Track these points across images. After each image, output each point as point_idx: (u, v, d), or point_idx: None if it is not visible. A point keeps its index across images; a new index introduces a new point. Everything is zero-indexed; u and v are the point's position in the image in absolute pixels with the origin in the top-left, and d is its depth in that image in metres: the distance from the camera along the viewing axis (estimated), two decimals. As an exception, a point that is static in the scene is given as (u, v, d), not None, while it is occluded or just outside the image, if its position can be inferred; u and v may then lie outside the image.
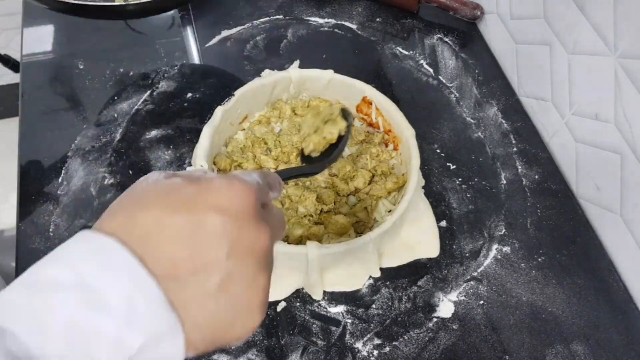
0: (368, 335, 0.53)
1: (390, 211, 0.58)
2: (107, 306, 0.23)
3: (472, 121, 0.71)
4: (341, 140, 0.51)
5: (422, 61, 0.77)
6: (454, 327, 0.54)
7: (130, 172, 0.62)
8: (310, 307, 0.54)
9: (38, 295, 0.23)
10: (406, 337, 0.53)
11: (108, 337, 0.22)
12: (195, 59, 0.76)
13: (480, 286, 0.56)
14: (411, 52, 0.78)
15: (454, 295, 0.55)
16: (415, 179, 0.55)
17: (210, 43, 0.77)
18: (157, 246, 0.24)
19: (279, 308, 0.54)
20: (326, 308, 0.54)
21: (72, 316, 0.22)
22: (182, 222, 0.25)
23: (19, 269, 0.55)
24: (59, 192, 0.61)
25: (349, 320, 0.53)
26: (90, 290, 0.23)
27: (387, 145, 0.63)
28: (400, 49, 0.78)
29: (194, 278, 0.25)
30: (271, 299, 0.54)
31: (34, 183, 0.62)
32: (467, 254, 0.59)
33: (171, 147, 0.65)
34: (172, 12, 0.82)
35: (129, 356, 0.23)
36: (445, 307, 0.55)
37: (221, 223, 0.25)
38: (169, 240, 0.24)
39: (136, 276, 0.23)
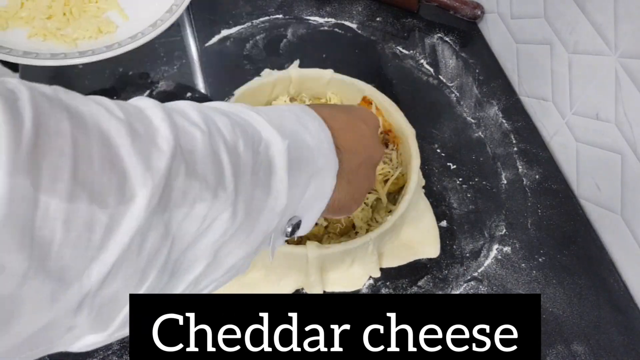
0: (368, 336, 0.52)
1: (390, 211, 0.57)
2: (309, 129, 0.34)
3: (473, 121, 0.70)
4: None
5: (422, 61, 0.77)
6: (454, 327, 0.53)
7: (130, 171, 0.62)
8: (310, 307, 0.54)
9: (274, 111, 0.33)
10: (406, 338, 0.52)
11: (310, 146, 0.33)
12: (195, 58, 0.75)
13: (480, 286, 0.56)
14: (411, 51, 0.78)
15: (454, 296, 0.55)
16: (415, 179, 0.55)
17: (210, 42, 0.77)
18: (333, 122, 0.37)
19: (279, 308, 0.54)
20: (326, 308, 0.54)
21: (293, 126, 0.33)
22: (346, 118, 0.39)
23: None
24: (58, 191, 0.60)
25: (349, 321, 0.53)
26: (300, 118, 0.34)
27: (387, 146, 0.63)
28: (401, 49, 0.78)
29: (349, 151, 0.37)
30: (271, 299, 0.54)
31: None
32: (468, 254, 0.58)
33: (171, 146, 0.65)
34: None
35: (317, 168, 0.33)
36: (446, 308, 0.54)
37: (366, 128, 0.41)
38: (341, 130, 0.37)
39: (324, 127, 0.36)
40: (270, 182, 0.30)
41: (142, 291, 0.24)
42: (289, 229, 0.33)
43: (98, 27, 0.66)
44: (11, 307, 0.18)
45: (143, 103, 0.26)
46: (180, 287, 0.27)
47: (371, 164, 0.42)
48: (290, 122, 0.33)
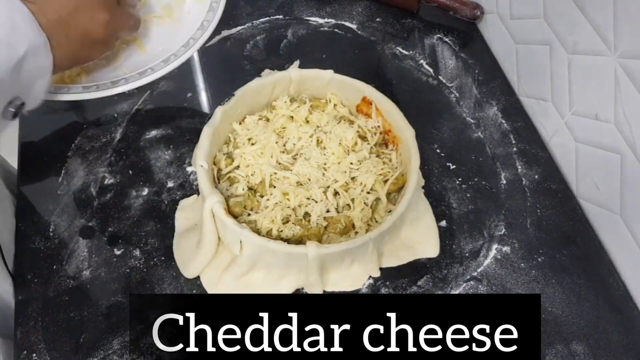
0: (368, 335, 0.52)
1: (390, 211, 0.58)
2: None
3: (472, 121, 0.71)
4: None
5: (422, 61, 0.77)
6: (454, 327, 0.53)
7: (130, 172, 0.62)
8: (310, 307, 0.54)
9: None
10: (406, 337, 0.53)
11: (1, 41, 0.33)
12: (195, 58, 0.75)
13: (480, 286, 0.56)
14: (411, 52, 0.78)
15: (453, 295, 0.56)
16: (415, 179, 0.55)
17: (210, 43, 0.77)
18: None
19: (279, 308, 0.54)
20: (326, 308, 0.54)
21: None
22: None
23: (19, 269, 0.55)
24: (58, 192, 0.60)
25: (349, 320, 0.53)
26: None
27: (387, 146, 0.63)
28: (400, 49, 0.78)
29: (52, 6, 0.38)
30: (271, 299, 0.54)
31: (34, 183, 0.62)
32: (467, 254, 0.59)
33: (171, 147, 0.65)
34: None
35: (17, 58, 0.34)
36: (445, 307, 0.55)
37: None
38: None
39: (14, 3, 0.35)
40: None
41: None
42: (12, 110, 0.35)
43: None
44: None
45: None
46: None
47: (93, 32, 0.44)
48: None
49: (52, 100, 0.55)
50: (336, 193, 0.57)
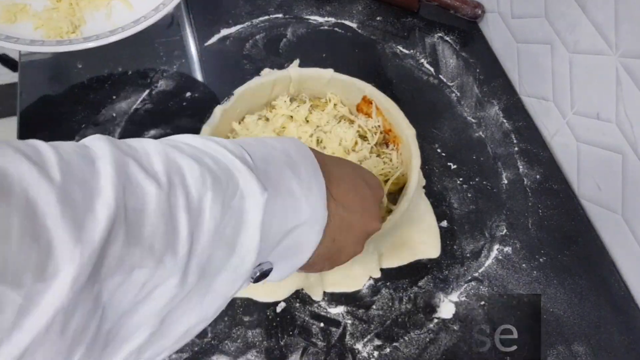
0: (368, 336, 0.52)
1: (390, 211, 0.57)
2: (299, 174, 0.31)
3: (473, 120, 0.70)
4: None
5: (422, 60, 0.77)
6: (455, 327, 0.53)
7: (129, 171, 0.62)
8: (310, 308, 0.54)
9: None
10: (407, 338, 0.52)
11: (296, 195, 0.30)
12: (194, 57, 0.75)
13: (481, 287, 0.56)
14: (412, 51, 0.78)
15: (454, 296, 0.55)
16: (415, 179, 0.55)
17: (210, 42, 0.77)
18: (332, 170, 0.34)
19: (279, 309, 0.53)
20: (326, 309, 0.54)
21: (280, 170, 0.31)
22: (350, 171, 0.37)
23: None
24: (57, 192, 0.60)
25: (349, 321, 0.53)
26: (292, 158, 0.32)
27: (387, 145, 0.63)
28: (401, 48, 0.78)
29: (342, 206, 0.34)
30: (271, 299, 0.54)
31: (32, 183, 0.61)
32: (468, 254, 0.58)
33: (170, 146, 0.65)
34: (171, 10, 0.82)
35: (298, 220, 0.30)
36: (446, 308, 0.54)
37: (370, 193, 0.38)
38: (340, 181, 0.35)
39: (318, 173, 0.32)
40: (237, 240, 0.27)
41: None
42: (257, 274, 0.30)
43: (106, 15, 0.68)
44: None
45: (99, 151, 0.24)
46: (118, 357, 0.24)
47: (364, 232, 0.38)
48: (278, 164, 0.30)
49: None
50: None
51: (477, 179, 0.64)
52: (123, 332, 0.23)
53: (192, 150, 0.27)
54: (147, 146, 0.26)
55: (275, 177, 0.29)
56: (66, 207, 0.20)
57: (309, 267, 0.34)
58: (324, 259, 0.35)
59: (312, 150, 0.34)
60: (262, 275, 0.30)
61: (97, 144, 0.24)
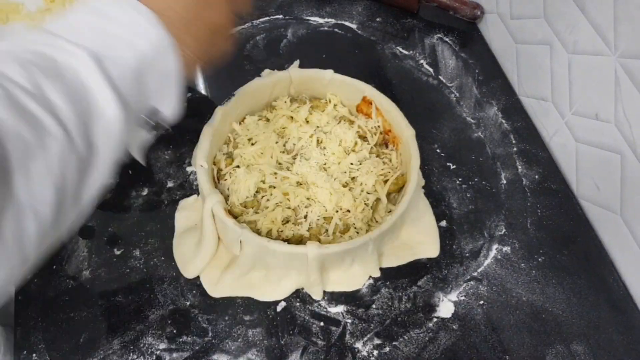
0: (368, 335, 0.52)
1: (390, 211, 0.58)
2: (116, 20, 0.33)
3: (472, 121, 0.70)
4: None
5: (422, 61, 0.77)
6: (454, 327, 0.53)
7: (130, 172, 0.62)
8: (310, 307, 0.54)
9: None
10: (406, 337, 0.53)
11: (125, 40, 0.33)
12: (195, 58, 0.75)
13: (480, 286, 0.56)
14: (411, 51, 0.78)
15: (454, 295, 0.55)
16: (415, 179, 0.55)
17: (210, 43, 0.77)
18: None
19: (279, 308, 0.54)
20: (326, 308, 0.54)
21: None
22: None
23: (19, 269, 0.55)
24: (58, 192, 0.60)
25: (349, 320, 0.53)
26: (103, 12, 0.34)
27: (387, 146, 0.63)
28: (400, 49, 0.78)
29: (175, 6, 0.36)
30: (271, 299, 0.54)
31: (34, 183, 0.62)
32: (467, 254, 0.59)
33: (171, 147, 0.65)
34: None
35: (142, 59, 0.33)
36: (445, 307, 0.55)
37: None
38: None
39: (139, 7, 0.34)
40: (88, 96, 0.31)
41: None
42: (151, 122, 0.33)
43: None
44: None
45: None
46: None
47: (216, 19, 0.41)
48: (92, 26, 0.33)
49: None
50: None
51: (476, 179, 0.65)
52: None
53: (26, 53, 0.31)
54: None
55: (96, 40, 0.33)
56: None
57: (187, 66, 0.38)
58: (197, 45, 0.39)
59: None
60: (156, 120, 0.34)
61: None
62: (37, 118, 0.28)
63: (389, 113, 0.61)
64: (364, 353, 0.51)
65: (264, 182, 0.57)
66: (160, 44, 0.34)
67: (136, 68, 0.33)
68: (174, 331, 0.52)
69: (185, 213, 0.59)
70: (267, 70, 0.72)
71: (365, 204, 0.57)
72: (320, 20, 0.81)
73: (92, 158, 0.31)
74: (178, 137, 0.66)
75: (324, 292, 0.55)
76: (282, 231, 0.54)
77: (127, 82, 0.33)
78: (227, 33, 0.43)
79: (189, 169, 0.63)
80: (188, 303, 0.53)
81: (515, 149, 0.68)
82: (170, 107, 0.36)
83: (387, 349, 0.52)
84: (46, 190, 0.29)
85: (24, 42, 0.31)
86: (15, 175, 0.27)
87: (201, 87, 0.72)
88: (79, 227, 0.57)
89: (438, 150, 0.67)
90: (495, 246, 0.59)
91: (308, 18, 0.81)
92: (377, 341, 0.52)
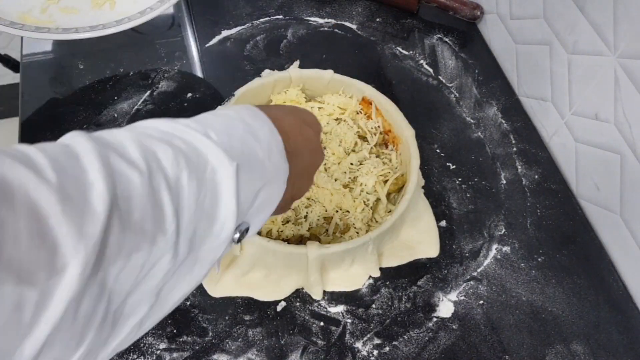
0: (368, 335, 0.53)
1: (390, 211, 0.58)
2: (259, 138, 0.33)
3: (472, 121, 0.71)
4: None
5: (422, 61, 0.77)
6: (454, 327, 0.54)
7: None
8: (310, 307, 0.54)
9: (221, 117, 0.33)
10: (406, 337, 0.53)
11: (261, 159, 0.32)
12: (195, 59, 0.76)
13: (480, 286, 0.56)
14: (411, 52, 0.78)
15: (453, 295, 0.56)
16: (415, 179, 0.55)
17: (210, 43, 0.77)
18: (282, 124, 0.36)
19: (279, 308, 0.54)
20: (326, 308, 0.54)
21: (242, 139, 0.32)
22: (294, 120, 0.38)
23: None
24: (59, 192, 0.60)
25: (349, 320, 0.53)
26: (250, 126, 0.33)
27: (387, 146, 0.63)
28: (400, 49, 0.78)
29: (296, 155, 0.36)
30: (271, 298, 0.54)
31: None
32: (467, 254, 0.59)
33: (171, 147, 0.65)
34: (172, 11, 0.82)
35: (264, 183, 0.32)
36: (445, 307, 0.55)
37: (312, 132, 0.40)
38: (290, 132, 0.37)
39: (275, 132, 0.35)
40: (216, 211, 0.29)
41: (81, 350, 0.23)
42: (237, 236, 0.31)
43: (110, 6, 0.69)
44: None
45: (80, 147, 0.24)
46: (123, 333, 0.26)
47: (314, 169, 0.42)
48: (239, 134, 0.32)
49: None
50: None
51: (475, 179, 0.65)
52: (127, 310, 0.25)
53: (161, 134, 0.29)
54: (120, 136, 0.27)
55: (239, 146, 0.31)
56: (66, 205, 0.21)
57: (275, 212, 0.37)
58: (288, 202, 0.38)
59: (258, 106, 0.37)
60: (241, 235, 0.32)
61: (76, 140, 0.25)
62: (162, 210, 0.25)
63: (389, 113, 0.61)
64: (364, 353, 0.51)
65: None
66: (280, 167, 0.34)
67: (260, 188, 0.32)
68: (174, 331, 0.52)
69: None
70: (267, 70, 0.72)
71: (365, 204, 0.57)
72: (320, 21, 0.81)
73: (190, 267, 0.29)
74: (178, 137, 0.66)
75: (324, 292, 0.55)
76: (282, 231, 0.54)
77: (249, 202, 0.32)
78: (312, 177, 0.43)
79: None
80: (188, 303, 0.53)
81: (514, 149, 0.68)
82: (256, 228, 0.34)
83: (387, 348, 0.52)
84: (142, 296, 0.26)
85: (179, 126, 0.30)
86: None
87: (201, 87, 0.72)
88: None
89: (438, 150, 0.67)
90: (495, 246, 0.59)
91: (308, 18, 0.81)
92: (377, 341, 0.52)
